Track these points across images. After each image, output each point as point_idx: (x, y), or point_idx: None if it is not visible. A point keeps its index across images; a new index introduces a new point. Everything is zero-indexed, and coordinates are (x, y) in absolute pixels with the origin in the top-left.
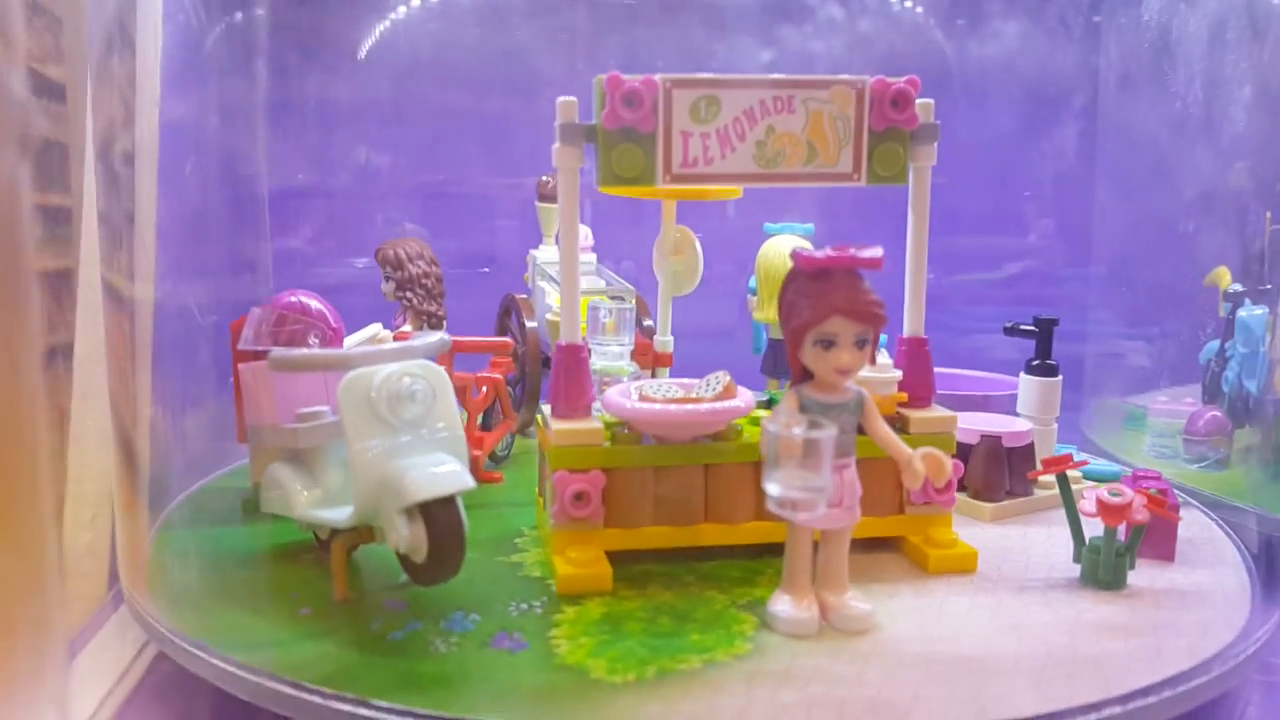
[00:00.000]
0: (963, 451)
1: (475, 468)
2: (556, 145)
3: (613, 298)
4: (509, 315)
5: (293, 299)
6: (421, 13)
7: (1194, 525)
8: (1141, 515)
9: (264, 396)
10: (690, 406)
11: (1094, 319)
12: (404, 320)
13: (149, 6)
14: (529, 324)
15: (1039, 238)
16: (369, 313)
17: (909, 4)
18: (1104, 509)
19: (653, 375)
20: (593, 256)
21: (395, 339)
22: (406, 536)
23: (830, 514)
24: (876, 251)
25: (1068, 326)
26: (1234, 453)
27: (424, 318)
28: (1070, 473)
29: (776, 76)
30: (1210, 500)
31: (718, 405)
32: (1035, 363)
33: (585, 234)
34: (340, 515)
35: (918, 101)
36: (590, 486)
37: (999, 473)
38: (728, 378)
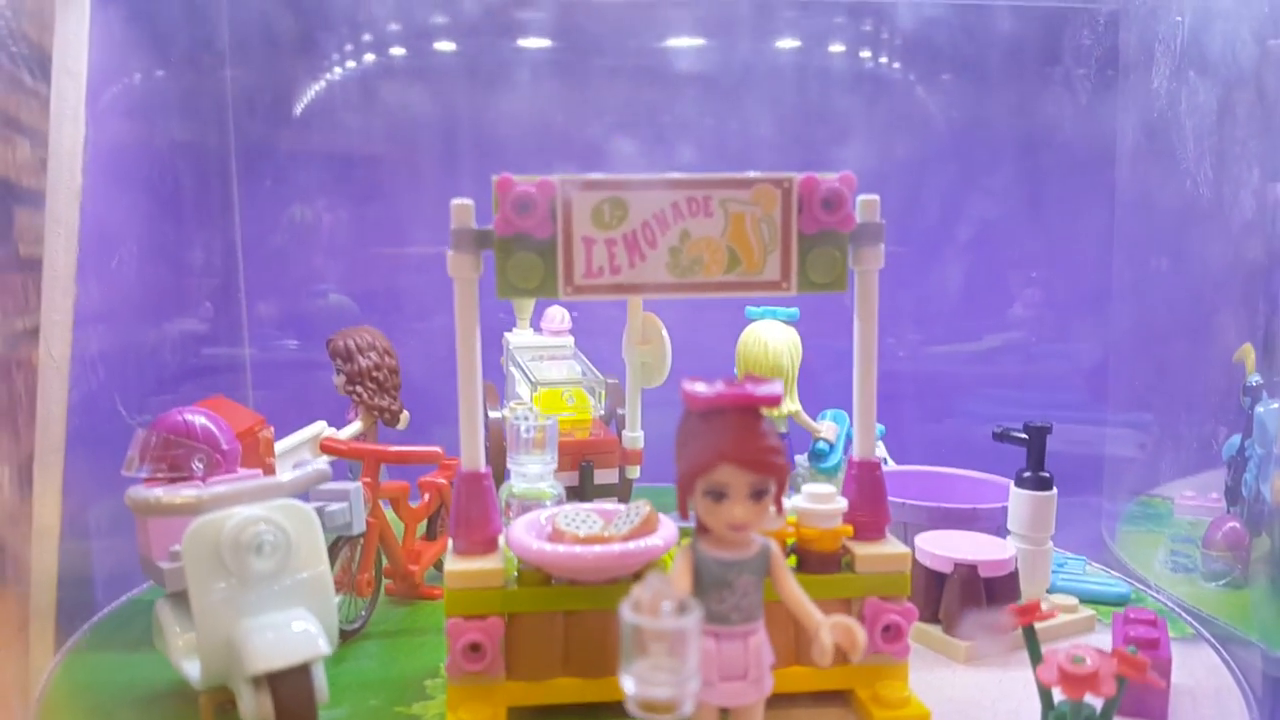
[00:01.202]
0: (936, 581)
1: (413, 583)
2: (450, 253)
3: (588, 389)
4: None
5: (178, 418)
6: (392, 77)
7: (1199, 669)
8: (1109, 688)
9: (143, 527)
10: (598, 549)
11: (1114, 403)
12: (356, 415)
13: (71, 38)
14: (492, 414)
15: (1024, 308)
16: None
17: (916, 79)
18: (1065, 679)
19: (621, 474)
20: (570, 340)
21: (323, 443)
22: (253, 708)
23: (734, 688)
24: (775, 388)
25: (1086, 413)
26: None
27: (376, 412)
28: (1061, 601)
29: (690, 176)
30: (1223, 632)
31: (629, 546)
32: (1026, 474)
33: (562, 316)
34: (194, 673)
35: (861, 198)
36: (486, 637)
37: (975, 607)
38: (648, 509)
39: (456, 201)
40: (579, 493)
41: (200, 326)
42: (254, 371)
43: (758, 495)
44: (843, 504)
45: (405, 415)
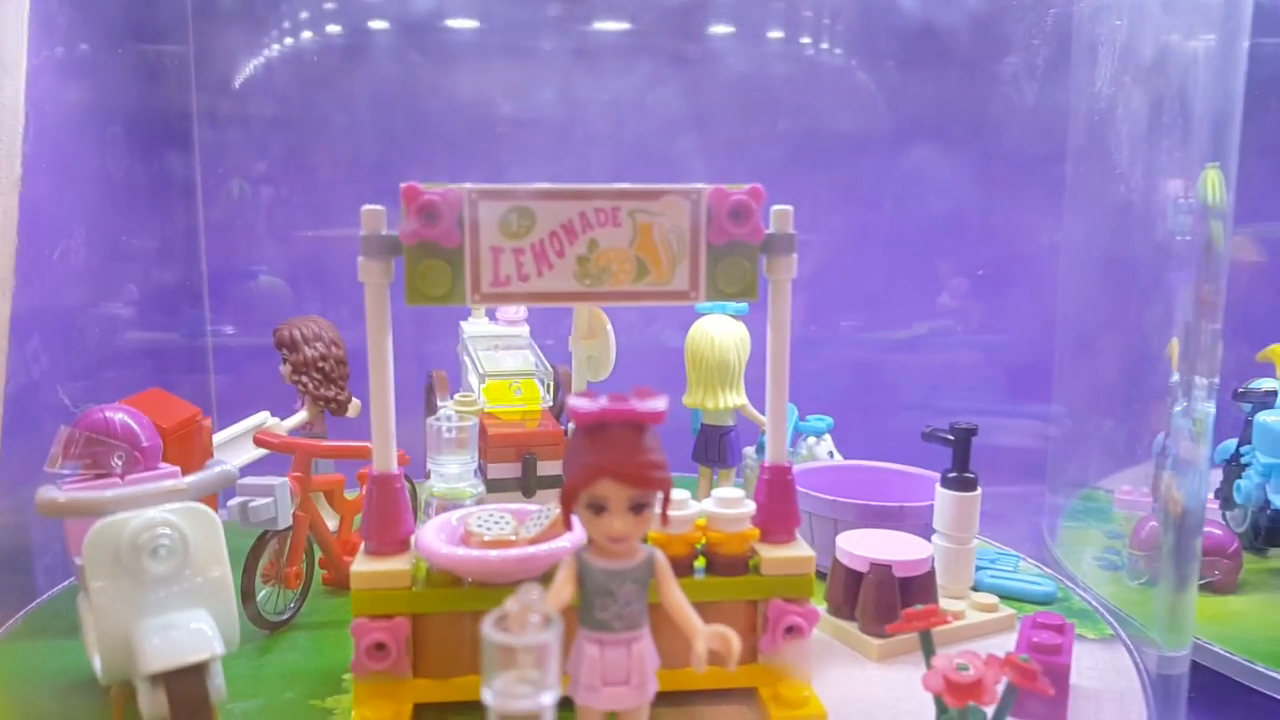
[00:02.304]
0: (855, 580)
1: (346, 574)
2: (360, 259)
3: (538, 380)
4: (432, 393)
5: (99, 416)
6: (360, 55)
7: (1110, 671)
8: (992, 697)
9: (67, 524)
10: (502, 553)
11: (1058, 396)
12: (302, 405)
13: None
14: (440, 403)
15: (952, 297)
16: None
17: (859, 66)
18: (948, 687)
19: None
20: (525, 330)
21: (256, 437)
22: (150, 705)
23: (617, 693)
24: (659, 404)
25: (1034, 406)
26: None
27: (322, 403)
28: (983, 600)
29: (598, 187)
30: (1138, 633)
31: (534, 550)
32: (951, 474)
33: (517, 307)
34: (97, 667)
35: (774, 209)
36: (390, 637)
37: (889, 606)
38: (558, 512)
39: (366, 208)
40: (522, 484)
41: (157, 312)
42: (216, 356)
43: (638, 508)
44: (750, 508)
45: (356, 404)
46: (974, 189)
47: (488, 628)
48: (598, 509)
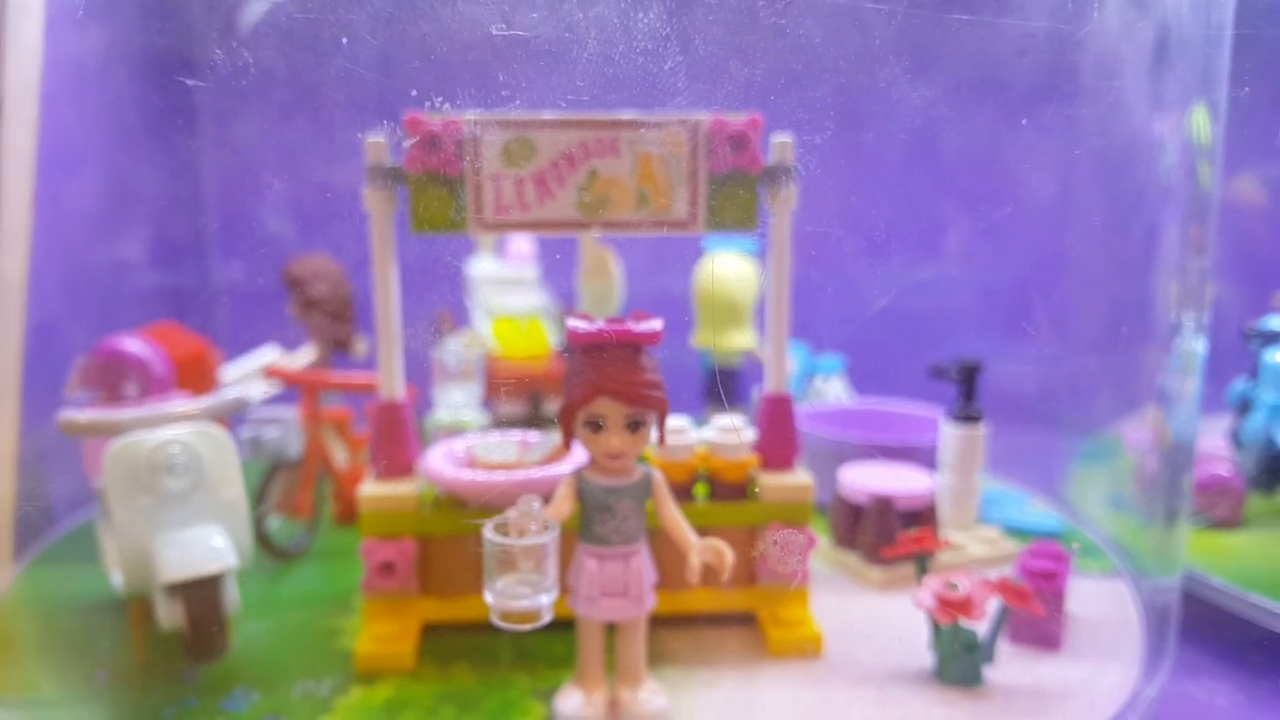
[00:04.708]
0: (855, 513)
1: (354, 507)
2: (365, 189)
3: (546, 319)
4: (437, 332)
5: (113, 345)
6: None
7: (1111, 602)
8: (980, 614)
9: (85, 448)
10: (506, 475)
11: (1072, 338)
12: (310, 342)
13: None
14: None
15: (965, 238)
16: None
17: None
18: (938, 604)
19: None
20: (533, 270)
21: (268, 370)
22: (167, 615)
23: (615, 605)
24: (655, 325)
25: (1049, 350)
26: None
27: (328, 342)
28: (986, 533)
29: (598, 116)
30: (1140, 567)
31: (535, 474)
32: (956, 410)
33: (527, 243)
34: (117, 582)
35: (775, 140)
36: (398, 556)
37: (890, 537)
38: (558, 440)
39: (369, 139)
40: (528, 422)
41: (167, 251)
42: (225, 295)
43: (634, 426)
44: (750, 436)
45: (363, 344)
46: (983, 126)
47: (488, 531)
48: (596, 427)
